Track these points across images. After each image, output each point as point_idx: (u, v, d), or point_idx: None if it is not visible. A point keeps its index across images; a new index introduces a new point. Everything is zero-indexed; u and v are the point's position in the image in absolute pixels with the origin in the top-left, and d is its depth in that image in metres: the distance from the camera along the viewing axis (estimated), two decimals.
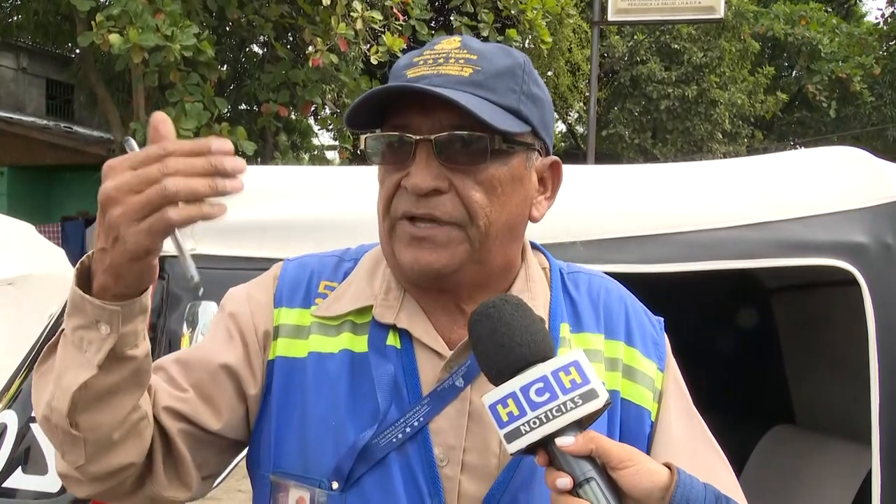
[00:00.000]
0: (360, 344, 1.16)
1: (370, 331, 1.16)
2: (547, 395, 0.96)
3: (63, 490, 1.84)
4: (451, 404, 1.12)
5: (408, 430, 1.11)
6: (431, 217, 1.10)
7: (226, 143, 0.92)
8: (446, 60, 1.11)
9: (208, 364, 1.17)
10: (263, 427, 1.18)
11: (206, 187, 0.90)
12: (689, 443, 1.20)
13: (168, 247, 0.93)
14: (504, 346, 0.99)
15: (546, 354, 0.99)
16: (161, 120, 0.93)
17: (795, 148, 22.10)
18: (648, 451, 1.16)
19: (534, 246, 1.28)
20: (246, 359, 1.18)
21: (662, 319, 1.28)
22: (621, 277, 1.90)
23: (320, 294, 1.21)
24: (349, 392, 1.13)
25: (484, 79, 1.10)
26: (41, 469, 1.88)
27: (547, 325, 1.14)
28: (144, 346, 1.02)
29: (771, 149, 21.63)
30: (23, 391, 1.98)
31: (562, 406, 0.95)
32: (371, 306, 1.17)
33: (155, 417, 1.11)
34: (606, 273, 1.34)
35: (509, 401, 0.97)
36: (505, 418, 0.97)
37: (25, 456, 1.91)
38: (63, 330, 1.02)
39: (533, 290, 1.20)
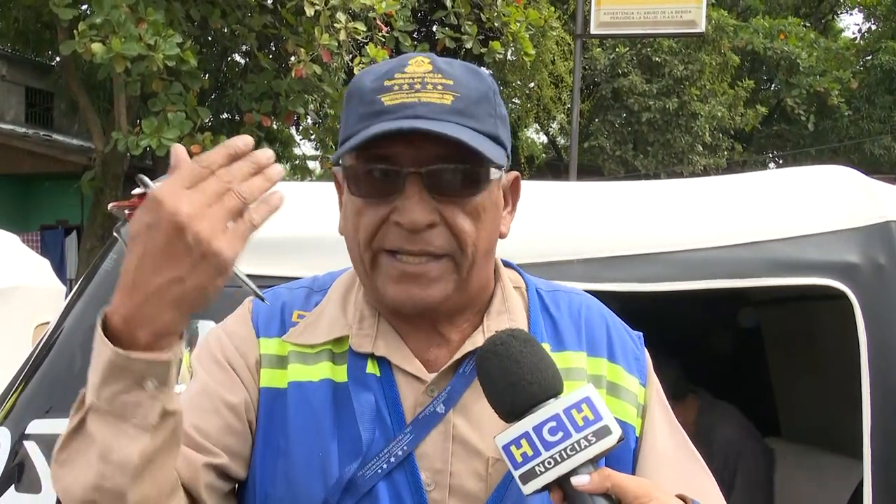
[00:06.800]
0: (340, 374, 1.14)
1: (349, 360, 1.14)
2: (560, 434, 0.95)
3: None
4: (434, 429, 1.11)
5: (392, 459, 1.09)
6: (425, 252, 1.08)
7: (248, 140, 0.93)
8: (423, 86, 1.07)
9: (218, 407, 1.13)
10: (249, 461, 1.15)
11: (266, 183, 0.91)
12: (673, 455, 1.20)
13: None
14: (514, 384, 0.98)
15: (556, 391, 0.98)
16: (179, 150, 0.94)
17: (775, 160, 22.32)
18: (634, 466, 1.17)
19: (506, 264, 1.27)
20: (246, 395, 1.15)
21: (642, 334, 1.27)
22: (617, 295, 1.93)
23: (293, 324, 1.19)
24: (333, 423, 1.11)
25: (465, 106, 1.07)
26: (35, 487, 1.86)
27: None
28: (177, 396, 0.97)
29: (750, 161, 21.83)
30: (16, 407, 1.96)
31: (576, 445, 0.94)
32: (347, 336, 1.16)
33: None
34: (602, 291, 1.33)
35: (523, 441, 0.95)
36: (519, 459, 0.95)
37: (19, 473, 1.89)
38: (87, 406, 0.93)
39: (511, 310, 1.19)
